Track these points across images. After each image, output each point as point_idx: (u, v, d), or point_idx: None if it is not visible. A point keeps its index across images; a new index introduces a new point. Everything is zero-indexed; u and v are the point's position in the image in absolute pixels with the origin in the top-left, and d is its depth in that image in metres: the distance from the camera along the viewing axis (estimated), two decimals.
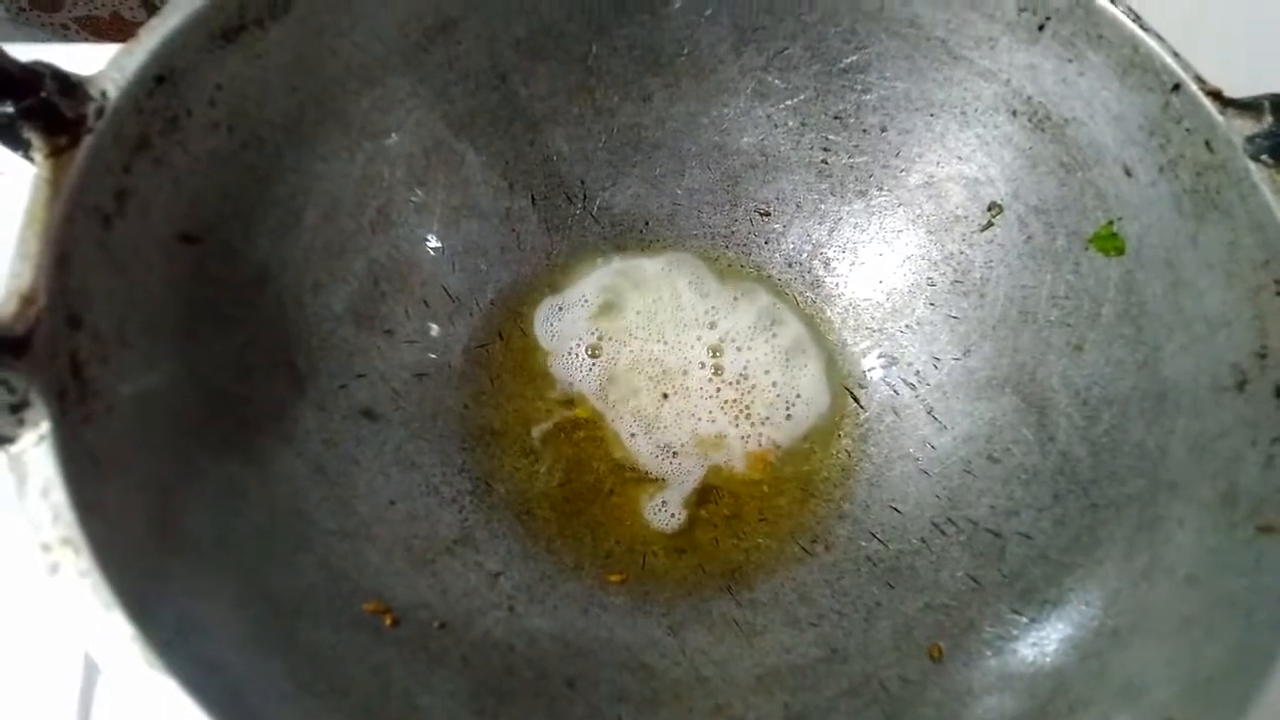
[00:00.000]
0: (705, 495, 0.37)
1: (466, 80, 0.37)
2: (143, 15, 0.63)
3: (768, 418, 0.39)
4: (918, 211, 0.40)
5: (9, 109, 0.26)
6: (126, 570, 0.22)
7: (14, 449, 0.23)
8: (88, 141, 0.27)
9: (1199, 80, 0.32)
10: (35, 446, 0.23)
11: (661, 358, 0.40)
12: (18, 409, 0.23)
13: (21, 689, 0.33)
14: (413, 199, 0.38)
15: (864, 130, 0.40)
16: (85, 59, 0.31)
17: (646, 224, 0.42)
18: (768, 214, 0.42)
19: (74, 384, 0.25)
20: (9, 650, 0.33)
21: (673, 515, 0.37)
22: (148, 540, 0.24)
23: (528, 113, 0.39)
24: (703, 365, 0.40)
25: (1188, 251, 0.32)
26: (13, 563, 0.34)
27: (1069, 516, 0.32)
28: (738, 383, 0.40)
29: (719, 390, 0.40)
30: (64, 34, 0.65)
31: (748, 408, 0.39)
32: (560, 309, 0.41)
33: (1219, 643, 0.25)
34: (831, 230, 0.41)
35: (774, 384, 0.40)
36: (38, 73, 0.26)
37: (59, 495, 0.22)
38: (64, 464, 0.23)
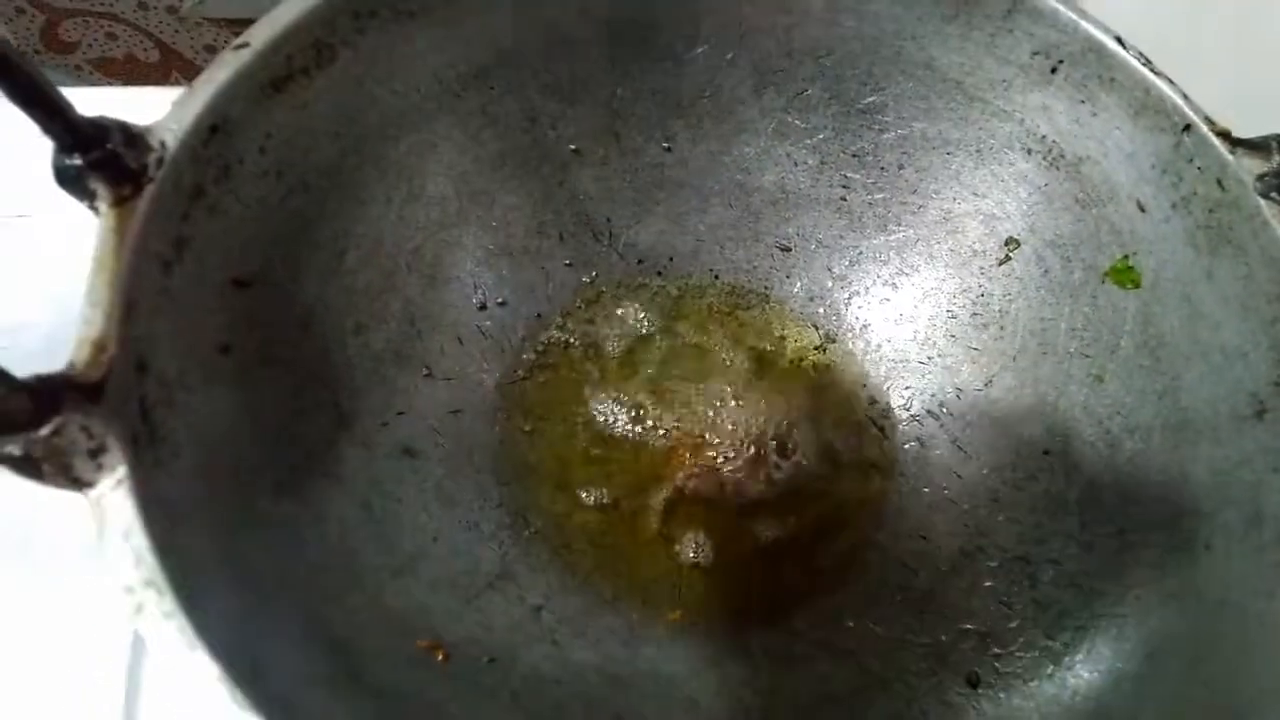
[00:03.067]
0: (737, 532, 0.38)
1: (498, 124, 0.38)
2: (156, 55, 0.64)
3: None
4: (936, 246, 0.41)
5: (78, 161, 0.26)
6: (205, 611, 0.23)
7: (94, 493, 0.23)
8: (149, 191, 0.27)
9: (1209, 121, 0.33)
10: (114, 490, 0.23)
11: (691, 400, 0.41)
12: (96, 454, 0.23)
13: (67, 676, 0.33)
14: (446, 239, 0.39)
15: (882, 168, 0.41)
16: (102, 102, 0.32)
17: (671, 260, 0.43)
18: (789, 249, 0.43)
19: (144, 428, 0.25)
20: (55, 638, 0.34)
21: (700, 548, 0.38)
22: (220, 581, 0.25)
23: (556, 155, 0.40)
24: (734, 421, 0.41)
25: (1203, 285, 0.33)
26: (55, 549, 0.35)
27: (1097, 543, 0.33)
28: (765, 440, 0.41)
29: (745, 435, 0.40)
30: (77, 75, 0.65)
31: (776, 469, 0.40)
32: (586, 346, 0.42)
33: (1254, 664, 0.26)
34: (852, 265, 0.43)
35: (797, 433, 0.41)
36: (104, 126, 0.27)
37: (140, 539, 0.23)
38: (142, 507, 0.23)
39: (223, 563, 0.25)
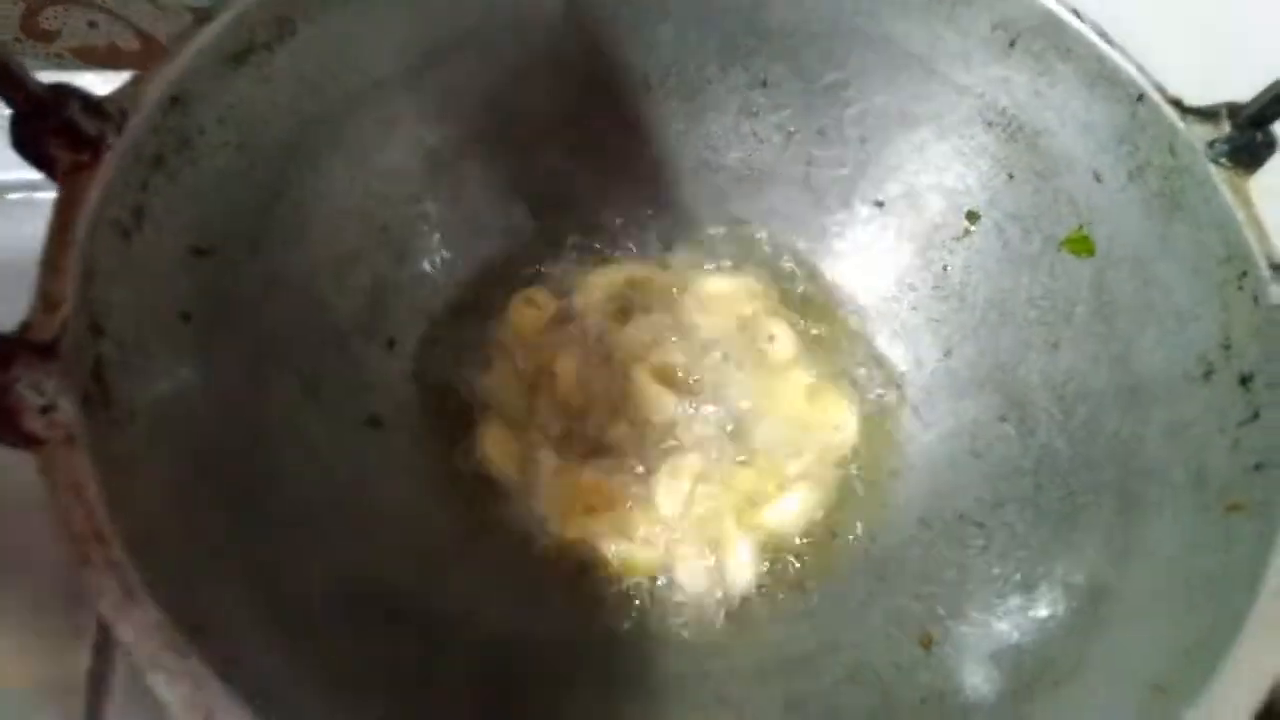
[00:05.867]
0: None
1: (465, 102, 0.39)
2: (137, 44, 0.64)
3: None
4: (899, 220, 0.41)
5: (36, 128, 0.27)
6: (153, 563, 0.23)
7: (45, 449, 0.23)
8: (108, 159, 0.28)
9: (1161, 90, 0.34)
10: (64, 447, 0.24)
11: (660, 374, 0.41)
12: (47, 410, 0.24)
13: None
14: (414, 214, 0.39)
15: (845, 143, 0.41)
16: (80, 84, 0.32)
17: (640, 237, 0.44)
18: (755, 225, 0.44)
19: (97, 389, 0.26)
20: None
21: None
22: (170, 536, 0.25)
23: (524, 131, 0.41)
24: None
25: (1156, 250, 0.34)
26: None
27: (1050, 506, 0.34)
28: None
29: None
30: (59, 63, 0.66)
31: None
32: (553, 320, 0.42)
33: (1194, 616, 0.26)
34: (817, 240, 0.43)
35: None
36: (62, 93, 0.27)
37: (89, 492, 0.23)
38: (92, 463, 0.24)
39: (174, 519, 0.26)
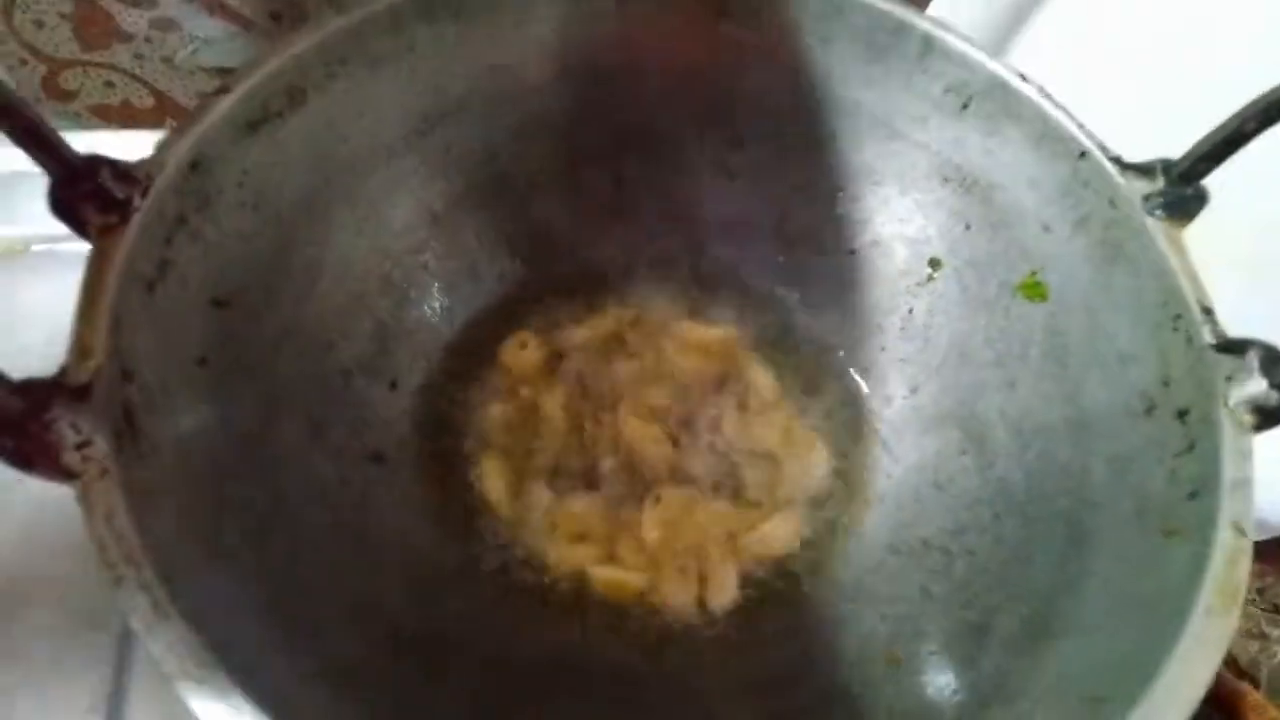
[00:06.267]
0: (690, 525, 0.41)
1: (463, 160, 0.42)
2: (150, 101, 0.68)
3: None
4: (869, 268, 0.44)
5: (71, 194, 0.30)
6: (180, 584, 0.25)
7: (80, 482, 0.26)
8: (135, 219, 0.31)
9: (1102, 147, 0.36)
10: (99, 480, 0.26)
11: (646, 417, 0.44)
12: (83, 446, 0.26)
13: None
14: (415, 265, 0.42)
15: (817, 198, 0.44)
16: (100, 144, 0.35)
17: (625, 285, 0.47)
18: (734, 273, 0.47)
19: (127, 427, 0.28)
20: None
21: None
22: (196, 560, 0.27)
23: (517, 187, 0.44)
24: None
25: (1101, 296, 0.36)
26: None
27: (1007, 533, 0.36)
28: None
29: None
30: (76, 119, 0.69)
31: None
32: (544, 362, 0.45)
33: (1133, 632, 0.29)
34: (791, 287, 0.46)
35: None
36: (95, 162, 0.30)
37: (121, 520, 0.25)
38: (123, 494, 0.26)
39: (196, 545, 0.28)
